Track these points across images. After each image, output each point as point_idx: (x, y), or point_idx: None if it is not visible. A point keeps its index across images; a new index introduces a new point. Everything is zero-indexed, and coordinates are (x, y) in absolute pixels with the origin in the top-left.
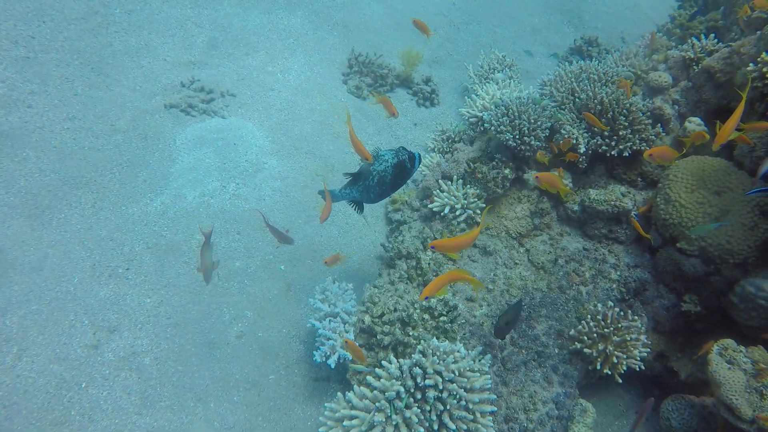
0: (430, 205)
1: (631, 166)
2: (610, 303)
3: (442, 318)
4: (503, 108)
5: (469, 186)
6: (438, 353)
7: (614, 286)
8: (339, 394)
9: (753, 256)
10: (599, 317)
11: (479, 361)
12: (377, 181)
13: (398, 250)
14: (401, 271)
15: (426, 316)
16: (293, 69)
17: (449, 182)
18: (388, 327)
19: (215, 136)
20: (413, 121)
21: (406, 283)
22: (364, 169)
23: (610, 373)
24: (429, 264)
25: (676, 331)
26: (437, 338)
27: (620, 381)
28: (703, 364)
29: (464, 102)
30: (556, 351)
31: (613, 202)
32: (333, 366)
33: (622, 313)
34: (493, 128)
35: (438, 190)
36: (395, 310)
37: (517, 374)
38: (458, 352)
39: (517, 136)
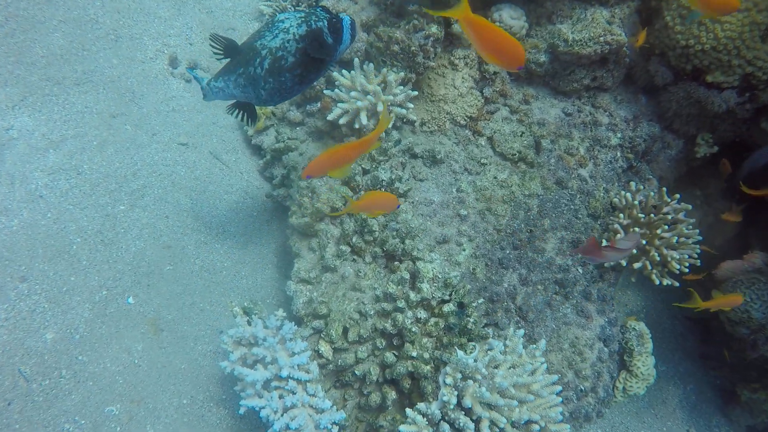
0: (329, 116)
1: None
2: (635, 183)
3: (448, 307)
4: None
5: (387, 68)
6: (479, 376)
7: (618, 154)
8: None
9: None
10: (627, 205)
11: (532, 351)
12: (269, 65)
13: (314, 207)
14: (334, 242)
15: (421, 313)
16: None
17: (350, 70)
18: (367, 348)
19: None
20: None
21: (353, 259)
22: (246, 46)
23: (659, 281)
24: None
25: (679, 180)
26: (462, 349)
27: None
28: None
29: None
30: (580, 270)
31: (602, 38)
32: None
33: (654, 195)
34: None
35: (333, 89)
36: (363, 315)
37: (544, 322)
38: (502, 356)
39: None
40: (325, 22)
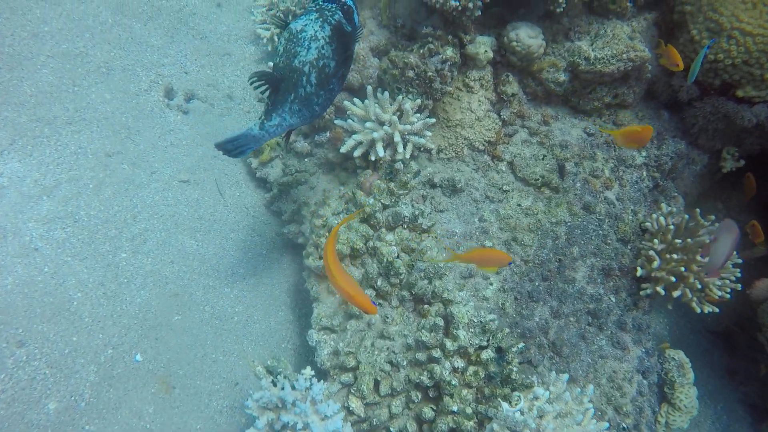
0: (342, 148)
1: None
2: (666, 205)
3: (487, 354)
4: None
5: (402, 95)
6: (527, 431)
7: (644, 173)
8: None
9: None
10: (660, 229)
11: (579, 397)
12: (317, 79)
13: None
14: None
15: (459, 362)
16: None
17: (362, 99)
18: (401, 401)
19: None
20: None
21: (378, 304)
22: (286, 70)
23: (701, 310)
24: (397, 255)
25: (704, 195)
26: (507, 400)
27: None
28: None
29: None
30: (613, 299)
31: (625, 55)
32: None
33: (689, 218)
34: None
35: (345, 118)
36: (395, 366)
37: (579, 357)
38: (549, 405)
39: None
40: (340, 13)
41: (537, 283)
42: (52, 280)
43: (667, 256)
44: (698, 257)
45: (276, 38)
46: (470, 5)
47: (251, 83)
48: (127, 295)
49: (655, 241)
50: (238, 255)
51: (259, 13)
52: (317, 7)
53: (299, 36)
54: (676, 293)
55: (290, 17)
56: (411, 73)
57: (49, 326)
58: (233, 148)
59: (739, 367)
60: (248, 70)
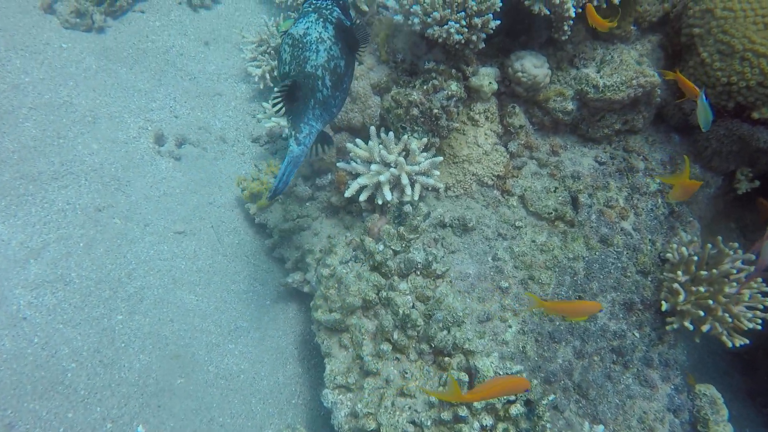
0: (347, 192)
1: (624, 11)
2: (685, 233)
3: (516, 409)
4: None
5: (408, 134)
6: None
7: (659, 200)
8: None
9: None
10: (683, 260)
11: None
12: (331, 81)
13: (343, 300)
14: (370, 338)
15: (486, 419)
16: None
17: (364, 138)
18: None
19: None
20: (198, 36)
21: (396, 358)
22: (300, 76)
23: (732, 345)
24: (412, 304)
25: (717, 216)
26: None
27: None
28: None
29: None
30: (637, 335)
31: (634, 81)
32: None
33: (711, 247)
34: (400, 10)
35: (348, 161)
36: (418, 426)
37: (606, 398)
38: None
39: (462, 19)
40: (338, 9)
41: (557, 323)
42: (43, 351)
43: (693, 288)
44: (726, 288)
45: (268, 76)
46: (473, 38)
47: (275, 101)
48: (125, 361)
49: (679, 272)
50: (241, 308)
51: (248, 51)
52: (313, 6)
53: (304, 40)
54: (705, 327)
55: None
56: (416, 111)
57: (41, 404)
58: (287, 180)
59: (760, 389)
60: (240, 109)
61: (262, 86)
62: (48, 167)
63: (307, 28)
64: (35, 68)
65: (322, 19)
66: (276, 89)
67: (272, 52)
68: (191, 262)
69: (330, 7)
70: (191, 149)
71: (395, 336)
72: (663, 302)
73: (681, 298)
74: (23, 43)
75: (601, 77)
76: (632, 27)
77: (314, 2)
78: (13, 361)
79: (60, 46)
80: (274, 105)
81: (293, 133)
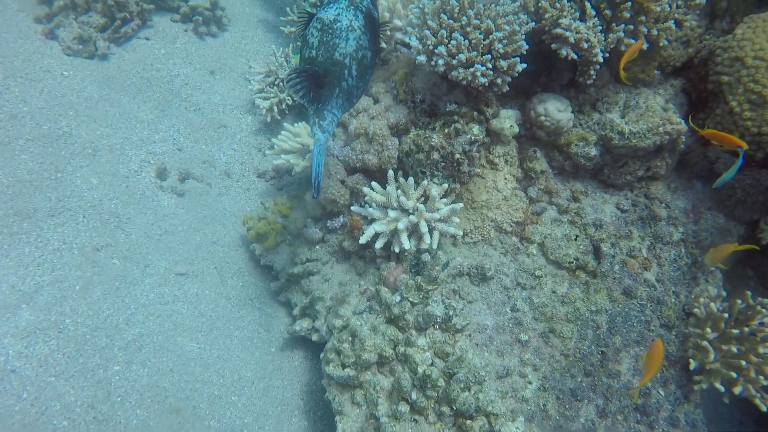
0: (362, 239)
1: (649, 57)
2: (713, 288)
3: None
4: (434, 1)
5: (427, 179)
6: None
7: (682, 250)
8: None
9: None
10: (711, 316)
11: None
12: (357, 71)
13: (357, 356)
14: (385, 396)
15: None
16: None
17: (380, 182)
18: None
19: None
20: (204, 65)
21: (413, 419)
22: (328, 63)
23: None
24: (431, 361)
25: (738, 264)
26: None
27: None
28: None
29: (273, 7)
30: (662, 393)
31: (661, 128)
32: None
33: (741, 303)
34: (423, 50)
35: (365, 205)
36: None
37: None
38: None
39: (488, 61)
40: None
41: (580, 379)
42: (33, 408)
43: (724, 347)
44: (760, 348)
45: (276, 108)
46: (498, 81)
47: (291, 83)
48: (121, 417)
49: (708, 329)
50: (245, 356)
51: (256, 82)
52: None
53: (334, 27)
54: (737, 389)
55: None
56: (436, 155)
57: None
58: (321, 170)
59: None
60: (245, 142)
61: (269, 119)
62: (44, 203)
63: (338, 14)
64: (34, 97)
65: (353, 7)
66: (297, 71)
67: (280, 83)
68: (193, 306)
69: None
70: (195, 184)
71: (414, 396)
72: (691, 360)
73: (711, 357)
74: (23, 70)
75: (626, 123)
76: (656, 72)
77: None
78: None
79: (61, 74)
80: (295, 84)
81: (317, 120)
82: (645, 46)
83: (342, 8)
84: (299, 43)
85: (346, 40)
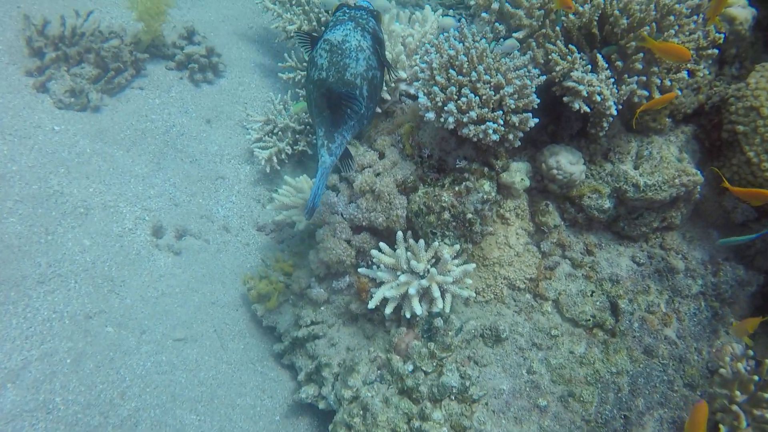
0: (371, 304)
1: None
2: (738, 346)
3: None
4: (441, 56)
5: (438, 241)
6: None
7: (702, 303)
8: None
9: None
10: (739, 378)
11: None
12: (368, 92)
13: (369, 431)
14: None
15: None
16: None
17: (388, 241)
18: None
19: None
20: (200, 114)
21: None
22: (335, 85)
23: None
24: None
25: (756, 312)
26: None
27: None
28: None
29: (270, 52)
30: None
31: (677, 180)
32: None
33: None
34: (432, 107)
35: (374, 268)
36: None
37: None
38: None
39: (499, 117)
40: (372, 20)
41: None
42: None
43: (756, 412)
44: None
45: (275, 158)
46: (510, 136)
47: (342, 99)
48: None
49: (737, 392)
50: (248, 426)
51: (254, 131)
52: (349, 15)
53: (343, 47)
54: None
55: (289, 133)
56: (447, 215)
57: None
58: (320, 193)
59: None
60: (244, 194)
61: (268, 169)
62: (33, 269)
63: (346, 35)
64: (24, 155)
65: (360, 28)
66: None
67: (279, 132)
68: (192, 374)
69: (366, 17)
70: (192, 241)
71: None
72: (721, 426)
73: (743, 423)
74: (12, 126)
75: (640, 175)
76: (667, 119)
77: (348, 11)
78: None
79: (52, 129)
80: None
81: (326, 142)
82: (657, 95)
83: (349, 29)
84: (299, 90)
85: (356, 60)
